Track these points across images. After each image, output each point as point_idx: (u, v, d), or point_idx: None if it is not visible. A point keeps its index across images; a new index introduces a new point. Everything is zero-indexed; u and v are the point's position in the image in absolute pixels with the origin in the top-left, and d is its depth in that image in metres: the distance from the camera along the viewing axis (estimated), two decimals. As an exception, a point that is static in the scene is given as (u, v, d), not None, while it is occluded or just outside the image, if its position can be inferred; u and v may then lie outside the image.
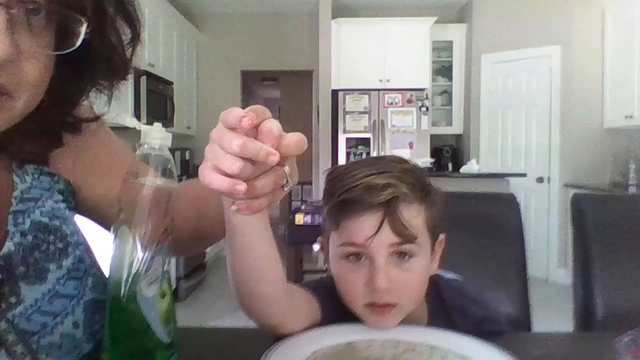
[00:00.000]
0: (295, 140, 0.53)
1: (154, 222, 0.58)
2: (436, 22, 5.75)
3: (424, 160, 4.85)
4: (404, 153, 5.39)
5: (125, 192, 0.58)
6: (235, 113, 0.49)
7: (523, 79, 5.44)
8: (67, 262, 0.64)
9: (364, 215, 0.74)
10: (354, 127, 5.60)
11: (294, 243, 2.98)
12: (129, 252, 0.56)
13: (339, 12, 5.82)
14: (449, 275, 0.93)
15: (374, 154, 5.57)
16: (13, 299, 0.57)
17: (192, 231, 0.79)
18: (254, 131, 0.51)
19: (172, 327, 0.61)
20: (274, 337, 0.70)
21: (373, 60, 5.64)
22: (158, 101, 4.80)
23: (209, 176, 0.50)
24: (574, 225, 1.35)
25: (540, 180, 5.28)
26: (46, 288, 0.60)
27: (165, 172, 0.59)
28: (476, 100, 5.81)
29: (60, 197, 0.68)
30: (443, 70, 6.21)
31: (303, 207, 3.09)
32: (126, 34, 0.59)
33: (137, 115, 4.28)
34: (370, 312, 0.76)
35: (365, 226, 0.74)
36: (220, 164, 0.49)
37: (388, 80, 5.64)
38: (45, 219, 0.64)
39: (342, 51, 5.70)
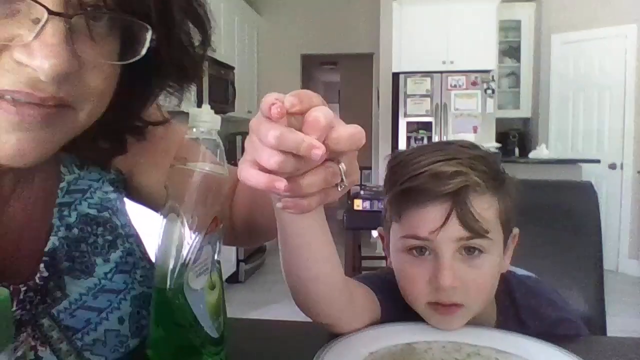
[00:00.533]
0: (348, 133, 0.45)
1: (203, 210, 0.55)
2: (503, 0, 5.51)
3: (489, 145, 4.67)
4: (468, 137, 5.25)
5: (173, 178, 0.56)
6: (267, 99, 0.43)
7: (596, 60, 5.16)
8: (115, 255, 0.62)
9: (429, 205, 0.68)
10: (415, 110, 5.48)
11: (353, 228, 2.95)
12: (177, 241, 0.54)
13: (401, -8, 5.68)
14: (522, 272, 0.85)
15: (435, 138, 5.44)
16: (58, 294, 0.56)
17: (246, 225, 0.75)
18: (301, 120, 0.44)
19: (221, 320, 0.59)
20: (330, 333, 0.66)
21: (436, 41, 5.47)
22: (219, 86, 4.85)
23: (245, 171, 0.45)
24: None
25: (612, 166, 5.02)
26: (92, 283, 0.59)
27: (215, 158, 0.56)
28: (546, 83, 5.56)
29: (110, 188, 0.65)
30: (510, 51, 5.96)
31: (362, 192, 3.05)
32: (196, 36, 0.56)
33: (200, 100, 4.35)
34: (433, 311, 0.70)
35: (430, 218, 0.67)
36: (258, 158, 0.43)
37: (452, 62, 5.46)
38: (93, 211, 0.62)
39: (404, 33, 5.56)
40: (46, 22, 0.40)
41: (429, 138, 5.49)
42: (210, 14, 0.56)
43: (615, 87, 5.01)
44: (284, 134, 0.42)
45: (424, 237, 0.68)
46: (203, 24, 0.56)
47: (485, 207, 0.69)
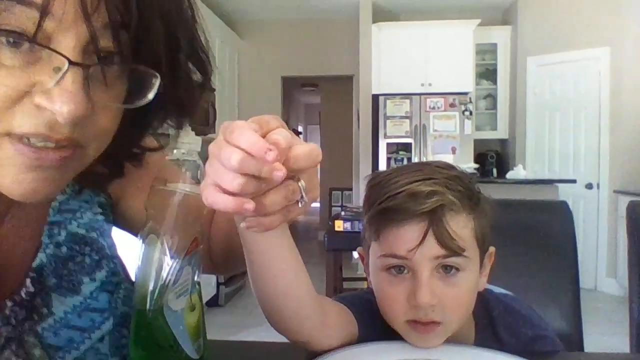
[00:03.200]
0: (305, 151, 0.47)
1: (183, 230, 0.55)
2: (480, 24, 5.63)
3: (467, 165, 4.74)
4: (447, 158, 5.31)
5: (153, 199, 0.56)
6: (230, 128, 0.45)
7: (571, 81, 5.26)
8: (100, 275, 0.63)
9: (407, 224, 0.69)
10: (394, 132, 5.53)
11: (334, 250, 2.95)
12: (156, 262, 0.54)
13: (379, 16, 5.76)
14: (499, 290, 0.86)
15: (415, 159, 5.49)
16: (44, 311, 0.56)
17: (225, 250, 0.75)
18: None
19: (201, 342, 0.58)
20: (308, 353, 0.66)
21: (414, 64, 5.56)
22: (200, 107, 4.84)
23: (212, 196, 0.46)
24: (631, 235, 1.27)
25: (589, 186, 5.09)
26: (78, 301, 0.59)
27: (195, 179, 0.56)
28: (522, 104, 5.66)
29: (99, 210, 0.67)
30: (487, 73, 6.07)
31: (343, 213, 3.05)
32: (197, 75, 0.58)
33: (179, 122, 4.33)
34: (412, 329, 0.70)
35: (407, 237, 0.68)
36: (221, 181, 0.45)
37: (430, 84, 5.55)
38: (82, 231, 0.63)
39: (383, 55, 5.64)
40: (67, 70, 0.42)
41: (409, 159, 5.53)
42: (212, 57, 0.59)
43: (590, 108, 5.11)
44: (246, 158, 0.43)
45: (402, 256, 0.69)
46: (205, 68, 0.58)
47: (461, 226, 0.70)
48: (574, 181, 4.72)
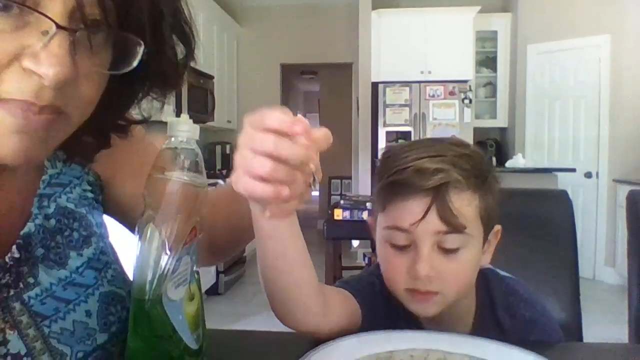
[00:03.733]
0: (323, 134, 0.52)
1: (182, 220, 0.55)
2: (480, 11, 5.59)
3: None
4: (446, 147, 5.31)
5: (151, 188, 0.55)
6: (280, 116, 0.49)
7: (571, 69, 5.25)
8: (88, 251, 0.64)
9: (411, 199, 0.72)
10: (394, 120, 5.52)
11: (333, 238, 2.95)
12: (155, 251, 0.53)
13: (379, 3, 5.72)
14: (504, 273, 0.87)
15: (414, 147, 5.47)
16: (31, 280, 0.58)
17: (225, 236, 0.77)
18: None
19: (200, 331, 0.58)
20: (308, 343, 0.66)
21: (414, 51, 5.53)
22: (199, 95, 4.83)
23: (249, 184, 0.49)
24: (630, 224, 1.27)
25: (588, 175, 5.10)
26: (64, 274, 0.61)
27: (193, 167, 0.56)
28: (522, 92, 5.65)
29: (89, 187, 0.68)
30: (487, 61, 6.05)
31: (342, 202, 3.05)
32: (181, 49, 0.60)
33: (179, 110, 4.32)
34: (411, 297, 0.74)
35: (411, 211, 0.72)
36: (256, 168, 0.48)
37: (429, 72, 5.52)
38: (71, 205, 0.65)
39: (383, 43, 5.61)
40: (54, 34, 0.44)
41: (408, 147, 5.51)
42: (195, 31, 0.61)
43: (590, 96, 5.09)
44: (278, 139, 0.48)
45: (405, 229, 0.72)
46: (189, 40, 0.60)
47: (465, 204, 0.72)
48: (573, 170, 4.72)
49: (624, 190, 4.37)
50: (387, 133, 5.54)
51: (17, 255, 0.57)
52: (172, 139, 0.56)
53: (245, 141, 0.49)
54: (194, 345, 0.56)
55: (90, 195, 0.68)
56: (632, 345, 1.21)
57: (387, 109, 5.53)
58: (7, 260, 0.56)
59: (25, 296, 0.56)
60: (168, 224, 0.54)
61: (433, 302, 0.74)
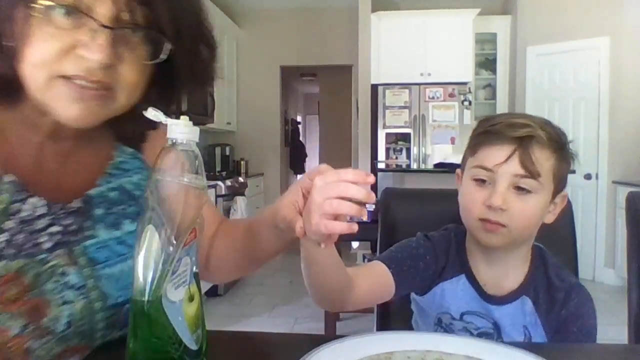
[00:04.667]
0: (372, 176, 0.65)
1: (181, 221, 0.55)
2: (479, 13, 5.60)
3: (466, 155, 4.73)
4: (446, 148, 5.31)
5: (151, 189, 0.55)
6: (353, 172, 0.63)
7: (570, 71, 5.24)
8: None
9: (499, 145, 0.87)
10: (394, 122, 5.52)
11: (333, 240, 2.94)
12: (155, 252, 0.54)
13: (378, 5, 5.73)
14: None
15: (414, 149, 5.49)
16: (91, 233, 0.73)
17: (222, 263, 0.89)
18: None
19: (200, 332, 0.58)
20: (308, 344, 0.66)
21: (414, 53, 5.53)
22: (198, 97, 4.83)
23: (330, 225, 0.62)
24: (630, 226, 1.27)
25: (588, 176, 5.09)
26: (117, 234, 0.76)
27: (193, 169, 0.56)
28: (521, 94, 5.65)
29: (145, 177, 0.82)
30: (487, 63, 6.06)
31: (342, 203, 3.04)
32: (205, 51, 0.77)
33: (178, 111, 4.32)
34: (481, 226, 0.88)
35: (497, 154, 0.87)
36: (339, 209, 0.61)
37: (429, 74, 5.53)
38: (130, 187, 0.81)
39: (382, 45, 5.62)
40: (100, 31, 0.62)
41: (408, 149, 5.53)
42: (215, 37, 0.78)
43: (590, 98, 5.09)
44: (357, 187, 0.62)
45: (489, 168, 0.87)
46: (210, 42, 0.77)
47: (544, 158, 0.86)
48: (573, 171, 4.65)
49: (623, 192, 4.37)
50: (387, 135, 5.54)
51: (78, 205, 0.73)
52: (172, 140, 0.57)
53: (324, 192, 0.62)
54: (193, 346, 0.56)
55: (144, 183, 0.79)
56: (631, 346, 1.21)
57: (387, 111, 5.54)
58: (72, 205, 0.73)
59: (85, 243, 0.72)
60: (168, 225, 0.54)
61: (499, 233, 0.87)
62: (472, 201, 0.90)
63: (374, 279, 0.92)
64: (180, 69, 0.73)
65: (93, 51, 0.61)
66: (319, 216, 0.62)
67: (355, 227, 0.62)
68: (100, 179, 0.78)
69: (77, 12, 0.61)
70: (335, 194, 0.61)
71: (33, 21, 0.61)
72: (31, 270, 0.65)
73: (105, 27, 0.62)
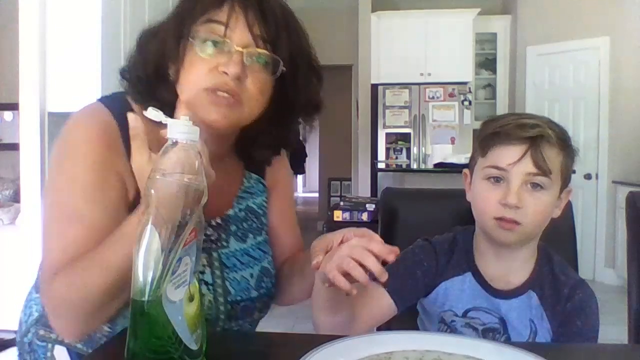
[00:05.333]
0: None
1: (182, 220, 0.55)
2: (479, 13, 5.60)
3: (466, 156, 4.73)
4: (446, 148, 5.31)
5: (151, 189, 0.55)
6: (382, 245, 0.73)
7: (570, 71, 5.24)
8: (260, 237, 1.00)
9: (511, 145, 0.90)
10: (394, 122, 5.53)
11: (333, 240, 2.94)
12: (155, 252, 0.53)
13: (378, 5, 5.73)
14: None
15: (414, 149, 5.49)
16: (225, 243, 0.93)
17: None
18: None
19: (200, 332, 0.58)
20: (308, 344, 0.66)
21: (414, 53, 5.54)
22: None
23: (337, 278, 0.71)
24: (630, 226, 1.27)
25: (588, 176, 5.10)
26: (244, 246, 0.96)
27: (193, 168, 0.56)
28: (521, 94, 5.65)
29: (266, 199, 1.05)
30: (487, 63, 6.05)
31: (342, 203, 3.05)
32: (315, 81, 0.95)
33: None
34: (497, 225, 0.91)
35: (510, 154, 0.90)
36: (350, 268, 0.70)
37: (429, 74, 5.53)
38: (254, 207, 1.01)
39: (382, 45, 5.62)
40: (235, 54, 0.81)
41: (408, 149, 5.53)
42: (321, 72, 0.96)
43: (590, 98, 5.09)
44: (374, 259, 0.71)
45: (502, 168, 0.90)
46: (319, 75, 0.96)
47: (553, 156, 0.90)
48: (573, 171, 4.71)
49: (623, 192, 4.37)
50: (387, 135, 5.55)
51: (218, 221, 0.94)
52: (173, 140, 0.56)
53: (349, 250, 0.72)
54: (193, 346, 0.56)
55: (265, 204, 1.04)
56: (631, 345, 1.21)
57: (387, 111, 5.54)
58: (213, 222, 0.93)
59: (219, 251, 0.92)
60: (168, 224, 0.54)
61: (515, 231, 0.90)
62: (486, 200, 0.93)
63: (373, 304, 0.97)
64: (295, 94, 0.91)
65: (230, 67, 0.80)
66: (335, 266, 0.71)
67: (354, 292, 0.71)
68: (234, 200, 0.98)
69: (221, 43, 0.82)
70: (356, 257, 0.70)
71: (190, 53, 0.83)
72: None
73: (239, 52, 0.81)
